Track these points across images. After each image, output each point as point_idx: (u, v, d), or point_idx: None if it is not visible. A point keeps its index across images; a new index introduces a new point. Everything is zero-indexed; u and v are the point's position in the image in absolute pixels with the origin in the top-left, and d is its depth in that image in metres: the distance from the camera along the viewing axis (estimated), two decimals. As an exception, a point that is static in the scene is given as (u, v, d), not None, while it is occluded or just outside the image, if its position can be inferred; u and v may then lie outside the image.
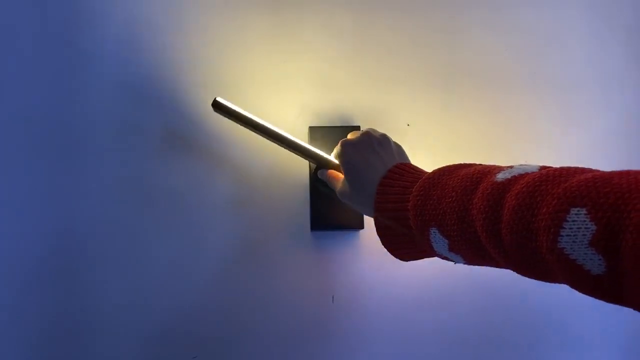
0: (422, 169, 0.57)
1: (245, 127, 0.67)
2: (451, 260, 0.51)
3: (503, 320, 0.76)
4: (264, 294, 0.73)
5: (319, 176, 0.69)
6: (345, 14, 0.79)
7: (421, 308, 0.75)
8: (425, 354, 0.75)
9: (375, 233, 0.57)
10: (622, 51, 0.83)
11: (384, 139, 0.62)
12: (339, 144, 0.63)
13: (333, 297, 0.74)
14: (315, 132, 0.74)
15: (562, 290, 0.76)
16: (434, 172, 0.52)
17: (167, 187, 0.74)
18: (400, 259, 0.58)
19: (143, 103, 0.75)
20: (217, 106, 0.66)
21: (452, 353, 0.75)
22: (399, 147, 0.64)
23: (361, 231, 0.75)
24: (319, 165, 0.68)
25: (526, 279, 0.75)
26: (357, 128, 0.74)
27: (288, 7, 0.78)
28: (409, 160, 0.62)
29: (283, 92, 0.77)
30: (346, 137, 0.65)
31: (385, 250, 0.59)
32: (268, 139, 0.67)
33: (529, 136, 0.80)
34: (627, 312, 0.76)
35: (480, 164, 0.50)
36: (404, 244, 0.55)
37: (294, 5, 0.78)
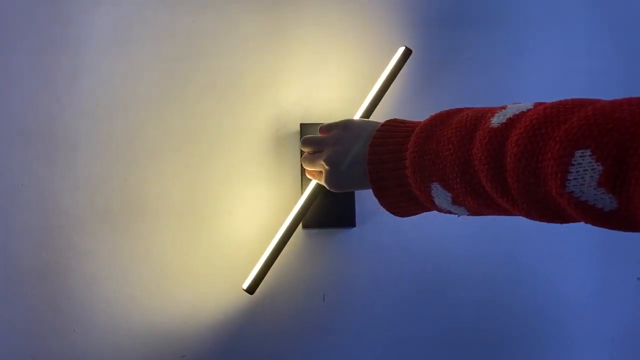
0: (411, 121, 0.54)
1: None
2: (454, 213, 0.50)
3: (496, 318, 0.76)
4: (255, 292, 0.72)
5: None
6: (336, 10, 0.78)
7: (413, 306, 0.75)
8: (417, 353, 0.75)
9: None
10: (612, 48, 0.82)
11: (342, 122, 0.62)
12: (323, 170, 0.61)
13: (324, 296, 0.74)
14: (307, 129, 0.73)
15: (555, 287, 0.77)
16: (426, 123, 0.50)
17: (158, 185, 0.73)
18: (400, 216, 0.56)
19: (133, 101, 0.74)
20: (251, 290, 0.68)
21: (444, 351, 0.75)
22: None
23: (353, 229, 0.74)
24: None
25: (518, 275, 0.75)
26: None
27: (280, 4, 0.77)
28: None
29: (275, 88, 0.76)
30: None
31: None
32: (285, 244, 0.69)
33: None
34: (618, 308, 0.77)
35: (472, 108, 0.48)
36: (403, 201, 0.53)
37: (286, 3, 0.77)
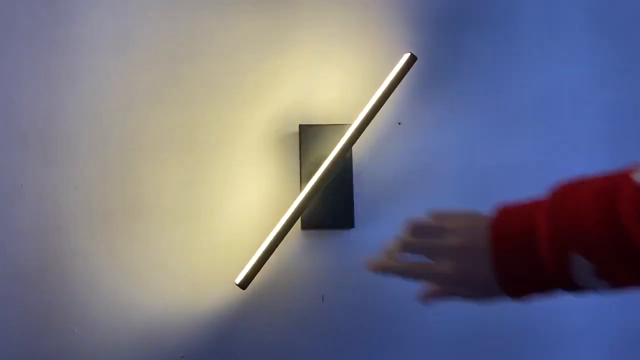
0: (524, 203, 0.48)
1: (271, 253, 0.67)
2: (591, 290, 0.45)
3: (494, 318, 0.76)
4: (254, 293, 0.72)
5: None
6: (337, 11, 0.78)
7: (411, 307, 0.75)
8: (418, 352, 0.74)
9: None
10: (613, 51, 0.83)
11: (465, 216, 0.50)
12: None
13: (323, 297, 0.74)
14: (306, 130, 0.74)
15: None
16: (550, 197, 0.46)
17: (157, 185, 0.73)
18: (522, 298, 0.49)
19: (133, 101, 0.74)
20: (244, 285, 0.67)
21: (444, 350, 0.75)
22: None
23: (351, 230, 0.74)
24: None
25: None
26: (347, 126, 0.73)
27: (280, 5, 0.78)
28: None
29: (274, 89, 0.76)
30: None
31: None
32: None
33: (515, 134, 0.79)
34: (617, 309, 0.77)
35: (591, 176, 0.45)
36: (529, 283, 0.47)
37: (286, 3, 0.78)
